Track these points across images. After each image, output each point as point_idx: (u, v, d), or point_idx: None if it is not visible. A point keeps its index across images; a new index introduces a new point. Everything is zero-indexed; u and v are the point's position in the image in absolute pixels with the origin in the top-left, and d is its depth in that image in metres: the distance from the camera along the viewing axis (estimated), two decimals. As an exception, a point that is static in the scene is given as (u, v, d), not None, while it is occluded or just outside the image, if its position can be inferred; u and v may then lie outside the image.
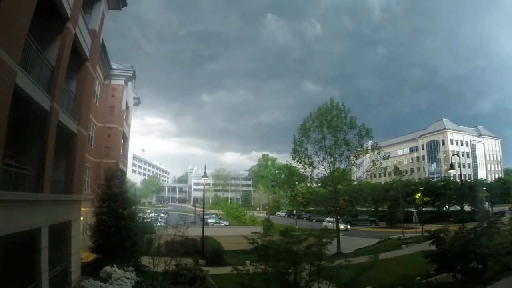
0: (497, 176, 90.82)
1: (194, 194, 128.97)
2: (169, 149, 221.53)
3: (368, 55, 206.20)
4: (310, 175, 32.57)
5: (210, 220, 49.48)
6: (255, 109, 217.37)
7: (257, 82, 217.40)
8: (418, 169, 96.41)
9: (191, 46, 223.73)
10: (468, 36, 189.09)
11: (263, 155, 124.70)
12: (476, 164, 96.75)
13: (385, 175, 39.32)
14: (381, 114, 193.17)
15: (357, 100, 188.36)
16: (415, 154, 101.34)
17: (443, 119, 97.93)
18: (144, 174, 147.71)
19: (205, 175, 27.53)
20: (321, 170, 32.40)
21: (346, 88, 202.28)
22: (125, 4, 17.95)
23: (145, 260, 16.84)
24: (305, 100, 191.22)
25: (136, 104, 37.76)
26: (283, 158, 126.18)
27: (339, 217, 35.74)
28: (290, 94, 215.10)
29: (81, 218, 16.00)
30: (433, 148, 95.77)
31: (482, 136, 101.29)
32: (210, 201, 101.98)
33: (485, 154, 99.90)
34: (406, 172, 52.80)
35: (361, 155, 31.87)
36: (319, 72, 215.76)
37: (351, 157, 32.54)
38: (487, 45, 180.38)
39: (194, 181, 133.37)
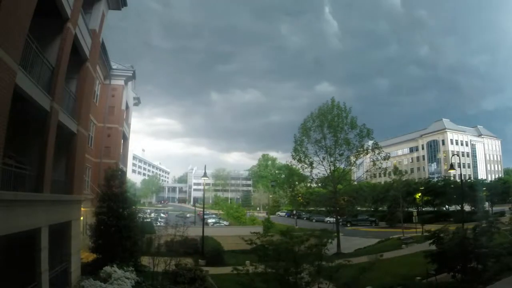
0: (497, 176, 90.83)
1: (194, 194, 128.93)
2: (174, 149, 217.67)
3: (371, 54, 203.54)
4: (310, 174, 32.63)
5: (210, 220, 49.49)
6: (266, 109, 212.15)
7: (269, 81, 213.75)
8: (418, 169, 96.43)
9: (202, 44, 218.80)
10: (479, 32, 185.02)
11: (263, 155, 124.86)
12: (476, 164, 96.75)
13: (385, 175, 39.20)
14: (392, 113, 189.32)
15: (368, 98, 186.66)
16: (415, 154, 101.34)
17: (443, 119, 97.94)
18: (144, 174, 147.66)
19: (205, 175, 27.57)
20: (321, 170, 32.48)
21: (359, 87, 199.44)
22: (125, 4, 17.95)
23: (145, 260, 16.84)
24: (316, 99, 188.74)
25: (136, 104, 37.74)
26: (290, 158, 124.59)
27: (339, 217, 35.78)
28: (302, 94, 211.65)
29: (81, 218, 15.99)
30: (433, 148, 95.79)
31: (482, 136, 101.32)
32: (210, 201, 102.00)
33: (485, 154, 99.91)
34: (406, 172, 52.74)
35: (361, 155, 31.89)
36: (327, 70, 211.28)
37: (351, 157, 32.56)
38: (498, 41, 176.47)
39: (194, 181, 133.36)
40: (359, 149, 31.43)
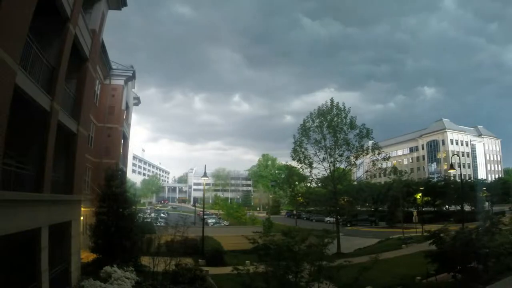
0: (497, 176, 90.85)
1: (194, 194, 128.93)
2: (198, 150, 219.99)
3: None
4: (310, 175, 32.62)
5: (210, 221, 49.38)
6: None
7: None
8: (418, 169, 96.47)
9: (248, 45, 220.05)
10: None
11: (263, 155, 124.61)
12: (476, 164, 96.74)
13: (385, 175, 39.23)
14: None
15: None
16: (415, 154, 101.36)
17: (443, 119, 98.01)
18: (144, 174, 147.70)
19: (205, 175, 27.50)
20: (321, 170, 32.46)
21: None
22: (125, 4, 17.96)
23: (145, 260, 16.83)
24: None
25: (136, 104, 37.71)
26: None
27: (339, 217, 35.78)
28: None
29: (81, 218, 15.99)
30: (433, 148, 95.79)
31: (482, 136, 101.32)
32: (210, 201, 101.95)
33: (485, 154, 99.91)
34: (406, 172, 52.74)
35: (361, 156, 31.89)
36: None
37: (351, 157, 32.56)
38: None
39: (194, 181, 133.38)
40: (359, 150, 31.43)
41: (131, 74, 29.60)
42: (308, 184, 36.46)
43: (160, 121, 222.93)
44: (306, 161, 31.71)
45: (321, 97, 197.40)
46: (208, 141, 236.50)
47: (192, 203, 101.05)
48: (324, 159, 31.71)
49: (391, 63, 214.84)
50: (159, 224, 32.65)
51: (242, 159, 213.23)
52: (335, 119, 31.31)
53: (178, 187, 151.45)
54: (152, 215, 54.02)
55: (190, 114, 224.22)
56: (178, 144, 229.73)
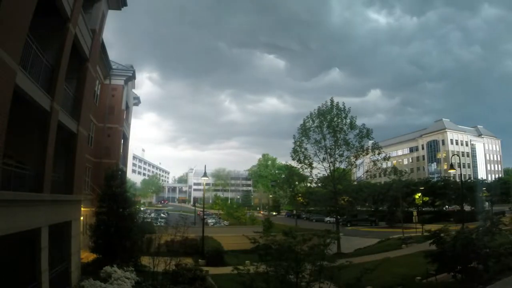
0: (497, 176, 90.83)
1: (194, 194, 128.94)
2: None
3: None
4: (310, 175, 32.64)
5: (210, 221, 49.42)
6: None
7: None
8: (418, 169, 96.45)
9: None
10: None
11: (263, 155, 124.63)
12: (476, 164, 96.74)
13: (385, 175, 39.19)
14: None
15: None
16: (415, 154, 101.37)
17: (443, 119, 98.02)
18: (144, 174, 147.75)
19: (205, 175, 27.47)
20: (321, 170, 32.48)
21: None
22: (125, 4, 17.97)
23: (145, 260, 16.84)
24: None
25: (136, 104, 37.67)
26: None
27: (339, 217, 35.78)
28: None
29: (81, 218, 15.99)
30: (433, 148, 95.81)
31: (482, 136, 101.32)
32: (210, 201, 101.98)
33: (485, 154, 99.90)
34: (406, 172, 52.80)
35: (361, 156, 31.90)
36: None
37: (351, 157, 32.57)
38: None
39: (194, 181, 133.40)
40: (359, 150, 31.43)
41: (131, 74, 29.57)
42: (308, 184, 36.49)
43: (177, 119, 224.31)
44: (306, 161, 31.72)
45: (366, 98, 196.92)
46: (224, 141, 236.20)
47: (192, 203, 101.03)
48: (324, 159, 31.73)
49: (442, 58, 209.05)
50: (159, 224, 32.66)
51: (256, 158, 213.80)
52: (335, 119, 31.32)
53: (178, 187, 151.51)
54: (152, 215, 54.05)
55: (211, 113, 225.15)
56: (192, 144, 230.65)
